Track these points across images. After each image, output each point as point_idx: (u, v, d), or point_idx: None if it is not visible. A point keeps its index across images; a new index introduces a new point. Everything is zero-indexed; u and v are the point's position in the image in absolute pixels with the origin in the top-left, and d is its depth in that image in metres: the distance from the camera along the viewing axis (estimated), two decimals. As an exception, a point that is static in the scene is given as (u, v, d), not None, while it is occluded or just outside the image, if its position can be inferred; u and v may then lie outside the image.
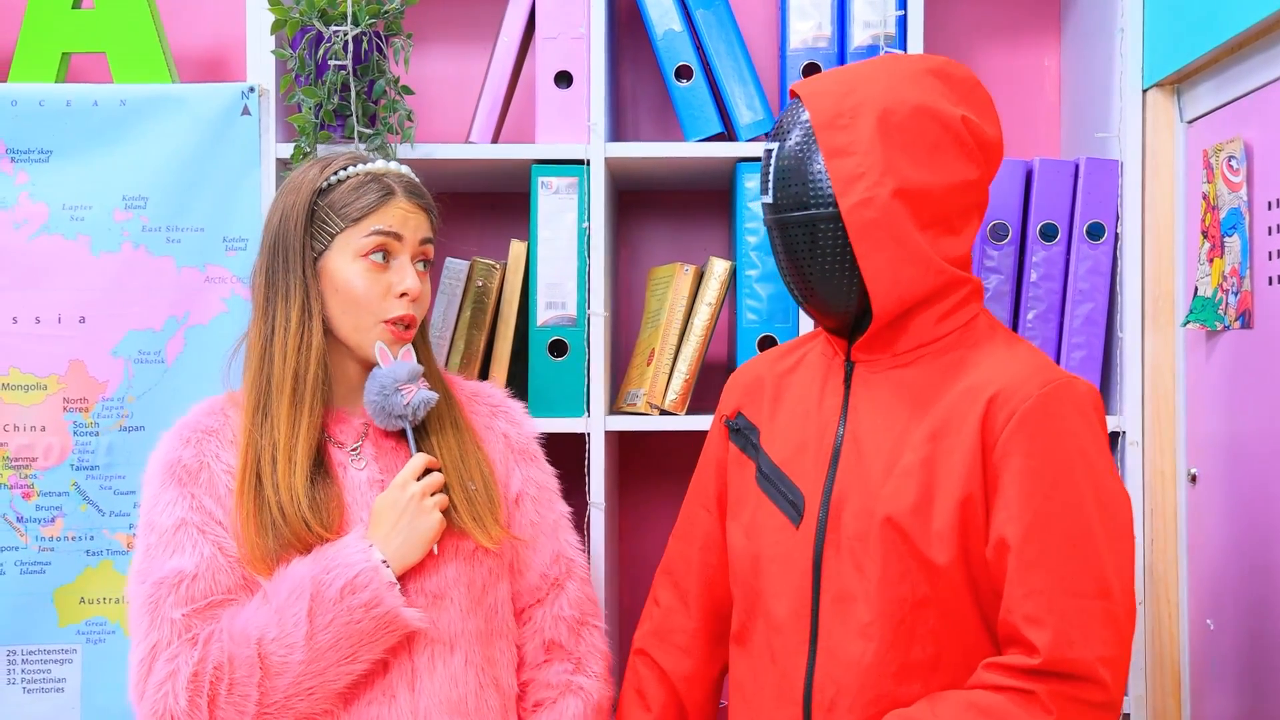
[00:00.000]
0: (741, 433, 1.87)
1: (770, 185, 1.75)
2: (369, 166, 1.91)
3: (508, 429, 2.00)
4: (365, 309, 1.86)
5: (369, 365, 1.91)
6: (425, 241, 1.91)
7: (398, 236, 1.87)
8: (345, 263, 1.86)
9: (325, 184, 1.89)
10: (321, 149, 2.22)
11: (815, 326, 1.94)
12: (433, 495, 1.83)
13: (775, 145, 1.75)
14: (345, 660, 1.76)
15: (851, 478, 1.71)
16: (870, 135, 1.67)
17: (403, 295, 1.87)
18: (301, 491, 1.81)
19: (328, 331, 1.88)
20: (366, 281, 1.86)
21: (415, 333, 1.92)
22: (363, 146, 2.23)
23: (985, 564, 1.64)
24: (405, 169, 1.94)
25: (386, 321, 1.86)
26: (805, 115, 1.73)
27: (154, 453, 1.90)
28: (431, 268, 1.96)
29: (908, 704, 1.66)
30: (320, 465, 1.85)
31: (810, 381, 1.82)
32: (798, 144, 1.72)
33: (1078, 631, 1.57)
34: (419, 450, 1.88)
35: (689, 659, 1.96)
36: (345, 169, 1.91)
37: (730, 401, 1.93)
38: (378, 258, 1.86)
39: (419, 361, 1.91)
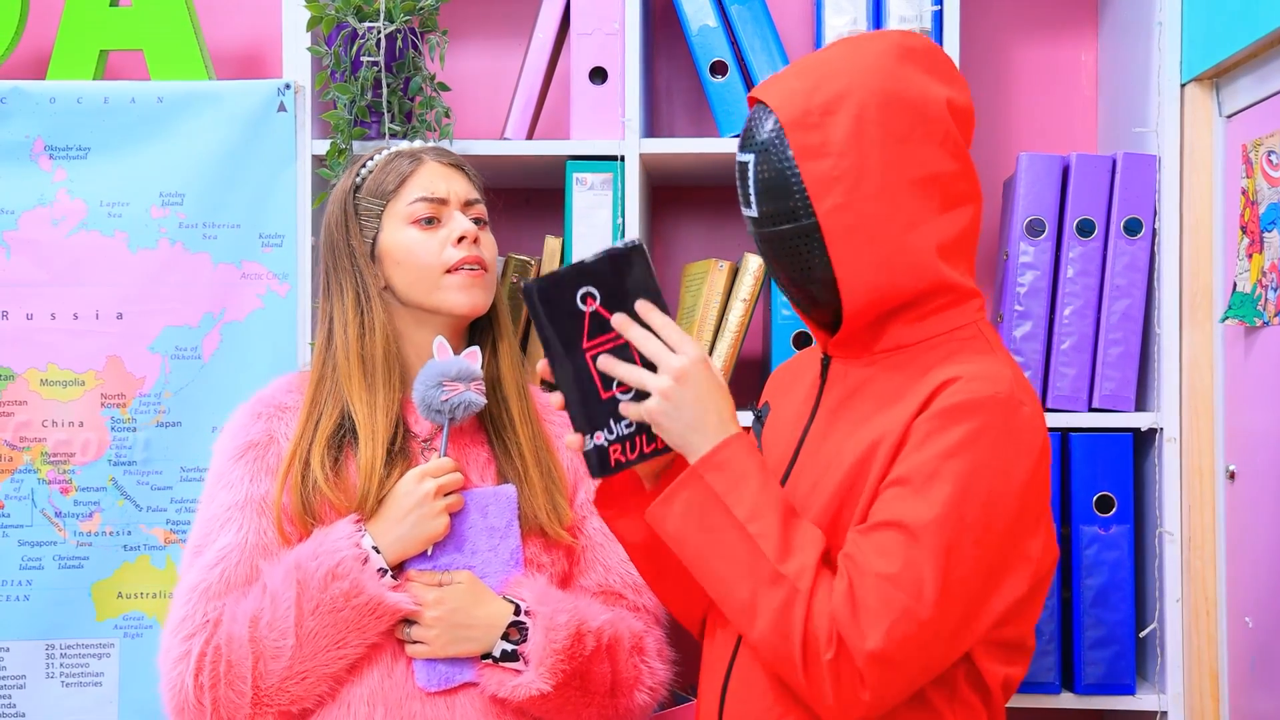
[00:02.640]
0: (760, 419, 1.86)
1: (753, 199, 1.63)
2: (395, 147, 1.95)
3: None
4: (427, 267, 1.87)
5: (453, 328, 1.91)
6: (472, 203, 1.93)
7: (443, 201, 1.90)
8: (397, 233, 1.89)
9: (358, 180, 1.92)
10: (357, 145, 2.23)
11: None
12: (446, 496, 1.82)
13: (751, 156, 1.62)
14: (335, 646, 1.77)
15: (800, 474, 1.67)
16: (845, 133, 1.56)
17: (460, 240, 1.88)
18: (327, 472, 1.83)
19: (405, 310, 1.90)
20: (421, 240, 1.88)
21: (490, 277, 1.91)
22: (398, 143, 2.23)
23: None
24: (433, 143, 1.96)
25: (451, 270, 1.87)
26: (774, 120, 1.60)
27: (227, 424, 1.93)
28: (488, 228, 1.96)
29: None
30: (403, 450, 1.87)
31: (806, 374, 1.80)
32: (775, 152, 1.59)
33: (864, 608, 1.47)
34: (488, 453, 1.89)
35: None
36: (372, 159, 1.95)
37: (765, 393, 1.93)
38: (426, 222, 1.89)
39: (494, 360, 1.92)
